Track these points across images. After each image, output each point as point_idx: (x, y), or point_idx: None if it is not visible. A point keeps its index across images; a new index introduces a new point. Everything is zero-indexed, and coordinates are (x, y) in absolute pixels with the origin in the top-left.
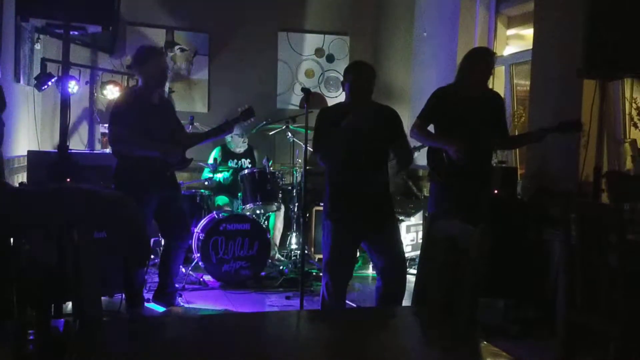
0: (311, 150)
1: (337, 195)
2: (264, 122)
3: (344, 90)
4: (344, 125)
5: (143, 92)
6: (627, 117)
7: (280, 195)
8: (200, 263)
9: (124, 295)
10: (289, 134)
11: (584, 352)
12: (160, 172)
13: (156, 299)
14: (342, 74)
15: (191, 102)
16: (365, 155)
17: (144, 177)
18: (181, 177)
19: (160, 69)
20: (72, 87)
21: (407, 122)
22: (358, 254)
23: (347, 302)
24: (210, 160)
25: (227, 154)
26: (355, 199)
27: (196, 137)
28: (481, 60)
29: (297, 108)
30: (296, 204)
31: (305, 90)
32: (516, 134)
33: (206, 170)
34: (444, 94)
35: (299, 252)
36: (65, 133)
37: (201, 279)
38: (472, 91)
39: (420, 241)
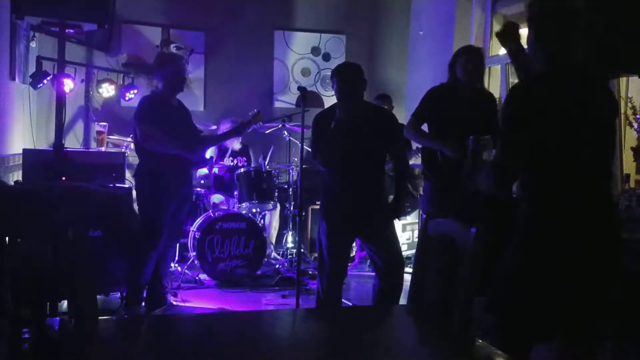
0: (310, 152)
1: (331, 196)
2: (261, 120)
3: (334, 92)
4: (333, 126)
5: (163, 95)
6: (622, 116)
7: (276, 194)
8: (196, 262)
9: (122, 294)
10: (285, 133)
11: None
12: (184, 170)
13: (148, 306)
14: (330, 77)
15: (187, 101)
16: (358, 156)
17: (168, 175)
18: None
19: (180, 74)
20: (68, 85)
21: (403, 121)
22: (354, 252)
23: (343, 300)
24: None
25: (223, 152)
26: (349, 199)
27: (211, 138)
28: (461, 55)
29: (294, 107)
30: (292, 203)
31: (301, 89)
32: None
33: (202, 168)
34: (437, 93)
35: (294, 250)
36: (60, 131)
37: (197, 278)
38: (465, 90)
39: (416, 240)
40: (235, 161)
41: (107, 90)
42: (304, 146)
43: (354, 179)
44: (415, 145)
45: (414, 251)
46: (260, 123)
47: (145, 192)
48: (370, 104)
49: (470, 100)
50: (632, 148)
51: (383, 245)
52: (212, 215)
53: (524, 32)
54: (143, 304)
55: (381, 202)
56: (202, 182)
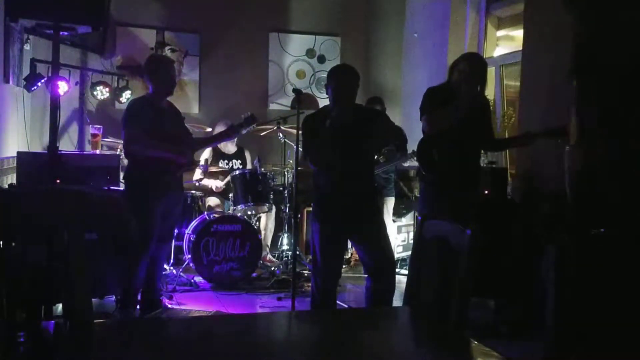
0: (303, 155)
1: (323, 197)
2: (255, 123)
3: (327, 94)
4: (327, 126)
5: (153, 98)
6: None
7: (271, 196)
8: (191, 264)
9: (117, 297)
10: (280, 135)
11: (574, 351)
12: (171, 173)
13: (143, 309)
14: (326, 78)
15: (182, 103)
16: (349, 156)
17: (155, 178)
18: None
19: (170, 77)
20: (62, 87)
21: (399, 122)
22: (350, 254)
23: (338, 302)
24: (201, 162)
25: (218, 155)
26: (340, 200)
27: (202, 140)
28: (460, 62)
29: (289, 109)
30: (287, 205)
31: (296, 91)
32: (506, 134)
33: (197, 171)
34: (436, 92)
35: (290, 253)
36: (55, 134)
37: (192, 281)
38: (461, 94)
39: (411, 242)
40: (230, 164)
41: (102, 93)
42: (299, 148)
43: (346, 179)
44: (410, 148)
45: (409, 253)
46: (254, 125)
47: (134, 195)
48: (362, 106)
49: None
50: None
51: (374, 246)
52: (207, 217)
53: (516, 33)
54: (138, 307)
55: (372, 203)
56: (197, 184)
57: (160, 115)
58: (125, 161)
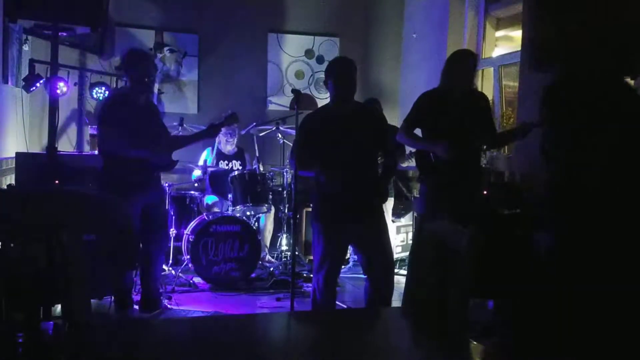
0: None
1: (324, 197)
2: (254, 124)
3: (327, 88)
4: (331, 127)
5: (130, 94)
6: None
7: (270, 196)
8: (190, 265)
9: (113, 298)
10: (279, 135)
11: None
12: (146, 173)
13: (142, 308)
14: (324, 72)
15: (181, 103)
16: (351, 157)
17: (130, 179)
18: (171, 178)
19: (147, 73)
20: (61, 88)
21: (397, 123)
22: (349, 255)
23: (338, 303)
24: (200, 162)
25: (218, 155)
26: (341, 201)
27: (181, 139)
28: (458, 61)
29: (287, 109)
30: (286, 206)
31: (295, 91)
32: None
33: (196, 171)
34: (429, 98)
35: (289, 253)
36: (53, 135)
37: (191, 281)
38: (457, 93)
39: (411, 242)
40: (230, 164)
41: (101, 93)
42: None
43: (347, 179)
44: (408, 149)
45: (408, 253)
46: (236, 124)
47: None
48: (361, 103)
49: (462, 102)
50: None
51: (372, 247)
52: (206, 218)
53: (515, 34)
54: (137, 307)
55: (372, 203)
56: (196, 184)
57: (136, 113)
58: None
